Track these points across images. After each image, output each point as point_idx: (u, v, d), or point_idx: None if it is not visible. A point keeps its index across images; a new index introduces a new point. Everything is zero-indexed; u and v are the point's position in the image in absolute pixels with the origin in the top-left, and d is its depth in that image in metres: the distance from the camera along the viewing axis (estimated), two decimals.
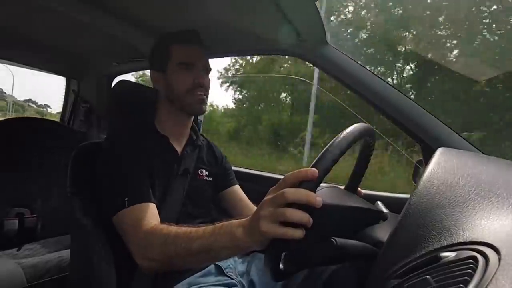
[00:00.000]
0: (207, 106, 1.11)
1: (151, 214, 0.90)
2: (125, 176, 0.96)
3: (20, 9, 1.23)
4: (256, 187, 1.31)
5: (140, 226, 0.86)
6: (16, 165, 1.65)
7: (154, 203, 0.94)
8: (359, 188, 1.01)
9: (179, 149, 1.11)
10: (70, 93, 2.22)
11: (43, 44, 1.66)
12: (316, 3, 0.93)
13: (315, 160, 0.64)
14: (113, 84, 2.00)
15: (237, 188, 1.28)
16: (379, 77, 1.08)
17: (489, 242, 0.39)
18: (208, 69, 1.11)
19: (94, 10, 1.17)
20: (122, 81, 1.22)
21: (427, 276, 0.39)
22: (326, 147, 0.65)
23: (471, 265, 0.37)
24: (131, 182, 0.95)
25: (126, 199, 0.89)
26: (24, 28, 1.47)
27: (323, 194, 0.73)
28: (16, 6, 1.20)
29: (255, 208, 1.23)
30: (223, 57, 1.67)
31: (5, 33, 1.48)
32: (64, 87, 2.28)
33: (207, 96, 1.09)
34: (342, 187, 0.96)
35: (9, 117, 1.75)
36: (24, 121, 1.79)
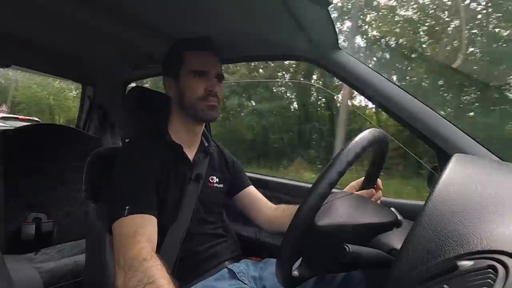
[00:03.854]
0: (218, 113, 1.10)
1: (149, 229, 0.87)
2: (131, 183, 0.95)
3: (36, 16, 1.25)
4: (266, 193, 1.30)
5: (133, 244, 0.81)
6: (33, 171, 1.69)
7: (155, 215, 0.91)
8: (379, 180, 0.99)
9: (191, 156, 1.12)
10: (86, 99, 2.27)
11: (59, 51, 1.69)
12: (328, 8, 0.93)
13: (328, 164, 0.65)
14: (127, 90, 2.04)
15: (251, 189, 1.28)
16: (392, 82, 1.06)
17: (509, 251, 0.38)
18: (221, 76, 1.10)
19: (109, 17, 1.18)
20: (136, 87, 1.23)
21: (445, 285, 0.39)
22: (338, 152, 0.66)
23: (490, 275, 0.36)
24: (136, 190, 0.93)
25: (127, 207, 0.87)
26: (40, 35, 1.49)
27: (337, 207, 0.73)
28: (32, 14, 1.22)
29: (274, 206, 1.22)
30: (235, 63, 1.68)
31: (21, 40, 1.51)
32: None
33: (219, 103, 1.09)
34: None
35: (26, 125, 1.77)
36: (40, 128, 1.82)
